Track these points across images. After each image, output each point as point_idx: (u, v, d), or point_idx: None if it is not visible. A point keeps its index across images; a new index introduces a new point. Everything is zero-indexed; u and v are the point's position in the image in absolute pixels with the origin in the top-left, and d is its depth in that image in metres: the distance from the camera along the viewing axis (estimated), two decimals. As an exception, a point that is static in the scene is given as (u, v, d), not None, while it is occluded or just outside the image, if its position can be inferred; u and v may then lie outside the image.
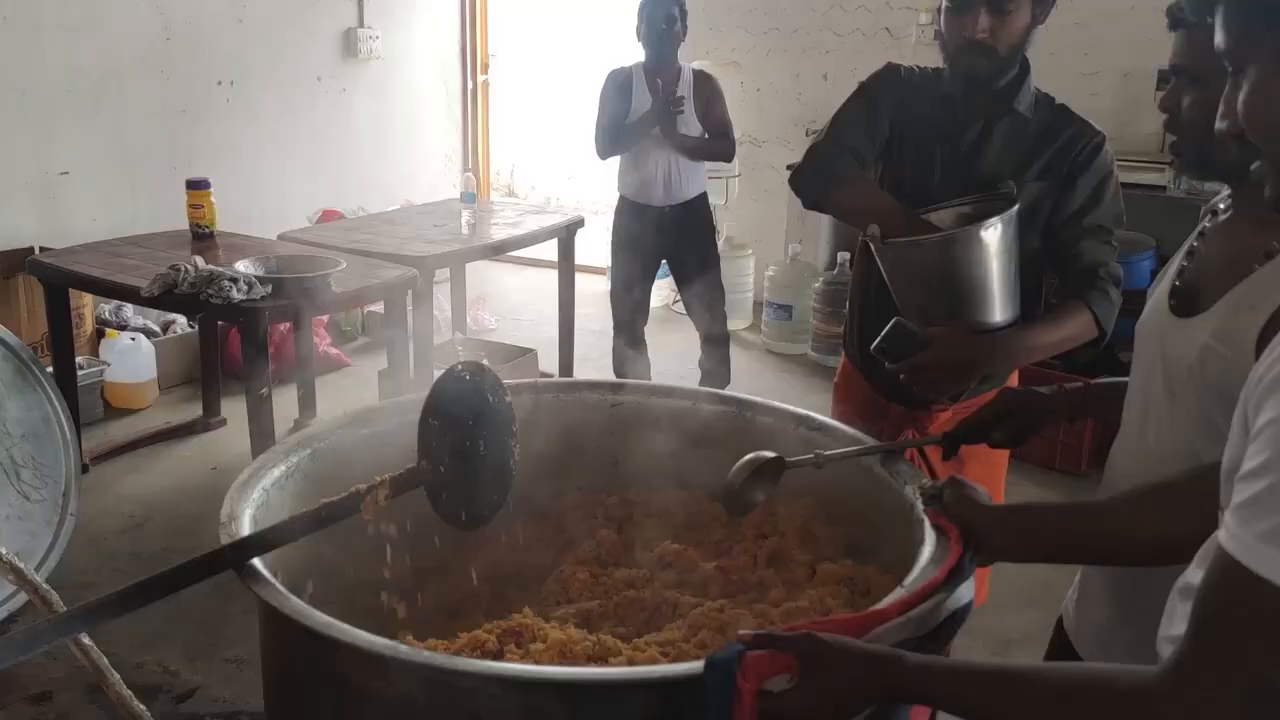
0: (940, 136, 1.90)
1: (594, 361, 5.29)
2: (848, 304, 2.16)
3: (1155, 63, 5.04)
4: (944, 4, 1.83)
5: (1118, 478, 1.39)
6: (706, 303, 4.31)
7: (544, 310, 5.99)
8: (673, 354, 4.96)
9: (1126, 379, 1.61)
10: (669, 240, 4.20)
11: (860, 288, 2.07)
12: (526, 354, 4.74)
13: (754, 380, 5.06)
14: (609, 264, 4.61)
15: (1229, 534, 0.78)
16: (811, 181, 1.92)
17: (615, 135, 4.16)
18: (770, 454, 1.50)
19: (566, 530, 1.73)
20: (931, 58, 1.97)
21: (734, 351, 4.54)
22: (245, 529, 1.29)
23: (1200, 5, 1.01)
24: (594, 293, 6.66)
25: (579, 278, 4.94)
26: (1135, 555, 1.18)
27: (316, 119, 6.14)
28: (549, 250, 5.22)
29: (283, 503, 1.43)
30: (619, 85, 4.16)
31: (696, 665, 1.02)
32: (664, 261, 4.32)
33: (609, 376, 4.71)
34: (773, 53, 6.06)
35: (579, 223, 4.80)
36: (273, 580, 1.17)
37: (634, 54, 4.22)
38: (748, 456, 1.52)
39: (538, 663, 1.24)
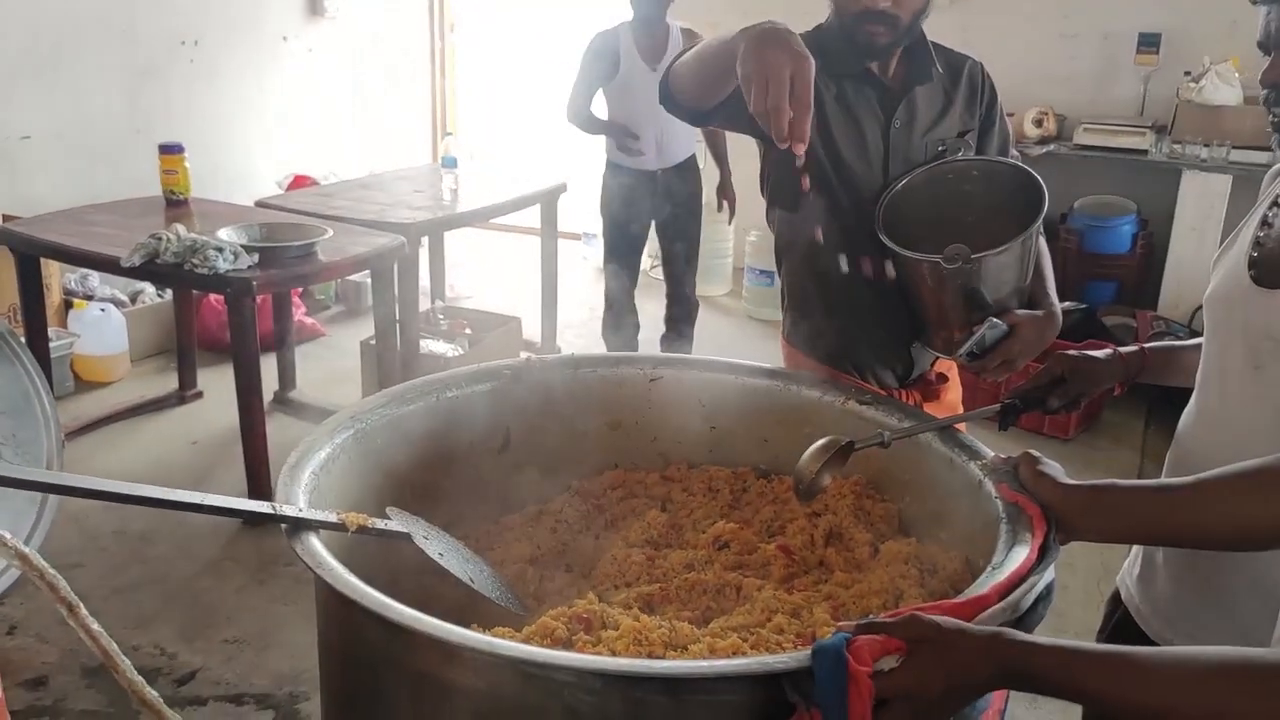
0: (869, 117, 1.78)
1: (575, 329, 5.24)
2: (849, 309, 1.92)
3: (1135, 25, 5.05)
4: None
5: (1194, 455, 1.36)
6: (683, 269, 4.32)
7: (520, 276, 5.92)
8: (651, 320, 4.91)
9: (1180, 343, 1.60)
10: (660, 204, 4.15)
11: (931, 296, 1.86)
12: (510, 322, 4.67)
13: (735, 348, 5.03)
14: (596, 230, 4.55)
15: None
16: (665, 88, 1.70)
17: (587, 118, 4.12)
18: (839, 439, 1.47)
19: (607, 510, 1.68)
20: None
21: (715, 318, 4.52)
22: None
23: None
24: (572, 258, 6.59)
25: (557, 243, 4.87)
26: (1227, 541, 1.16)
27: (283, 81, 5.97)
28: (519, 216, 5.14)
29: (331, 485, 1.37)
30: (602, 50, 4.05)
31: (803, 654, 0.98)
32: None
33: (595, 344, 4.66)
34: (750, 13, 5.97)
35: (562, 188, 4.72)
36: (346, 572, 1.11)
37: (615, 13, 4.13)
38: (819, 443, 1.47)
39: (613, 651, 1.19)
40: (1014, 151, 1.94)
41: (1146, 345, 1.61)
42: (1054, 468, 1.28)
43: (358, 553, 1.28)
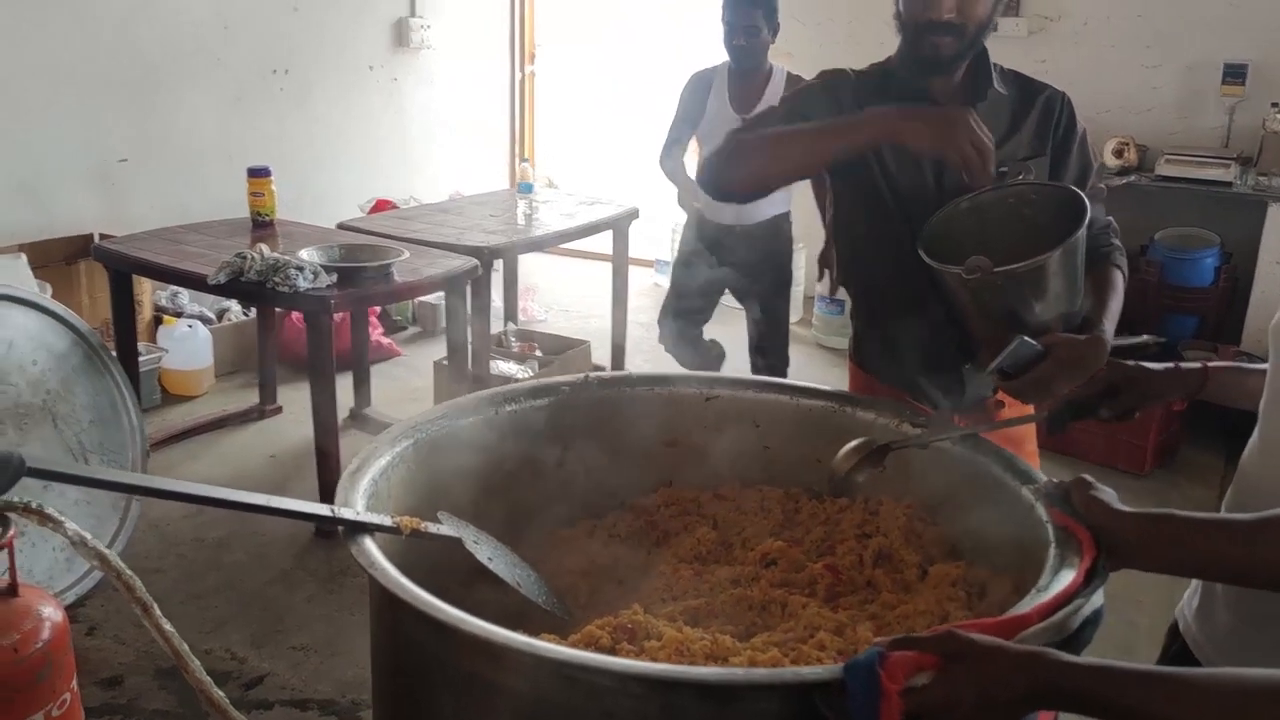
0: None
1: (645, 354, 5.27)
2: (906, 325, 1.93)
3: (1221, 56, 4.96)
4: None
5: (1256, 486, 1.34)
6: (768, 339, 4.00)
7: (591, 302, 5.99)
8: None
9: (1245, 365, 1.57)
10: (736, 262, 3.86)
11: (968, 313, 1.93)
12: (580, 345, 4.73)
13: (802, 375, 5.01)
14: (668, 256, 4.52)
15: None
16: (712, 173, 1.81)
17: (673, 168, 3.92)
18: (875, 439, 1.50)
19: (659, 526, 1.70)
20: (989, 49, 1.87)
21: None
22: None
23: None
24: (643, 285, 6.65)
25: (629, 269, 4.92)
26: (1267, 579, 1.14)
27: (368, 108, 6.15)
28: (592, 242, 5.20)
29: (389, 492, 1.42)
30: (695, 91, 3.87)
31: (837, 668, 0.99)
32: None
33: (664, 369, 4.69)
34: (826, 45, 6.00)
35: (634, 214, 4.78)
36: (396, 572, 1.15)
37: (694, 53, 4.14)
38: (855, 441, 1.52)
39: (655, 660, 1.21)
40: (1101, 185, 1.93)
41: (1210, 364, 1.58)
42: (1108, 493, 1.27)
43: (412, 560, 1.32)
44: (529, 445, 1.69)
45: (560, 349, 4.68)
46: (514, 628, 1.20)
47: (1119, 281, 1.83)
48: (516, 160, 7.39)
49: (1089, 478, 1.28)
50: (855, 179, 1.86)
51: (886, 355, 1.91)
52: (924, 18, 1.70)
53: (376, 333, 5.08)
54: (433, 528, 1.36)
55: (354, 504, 1.31)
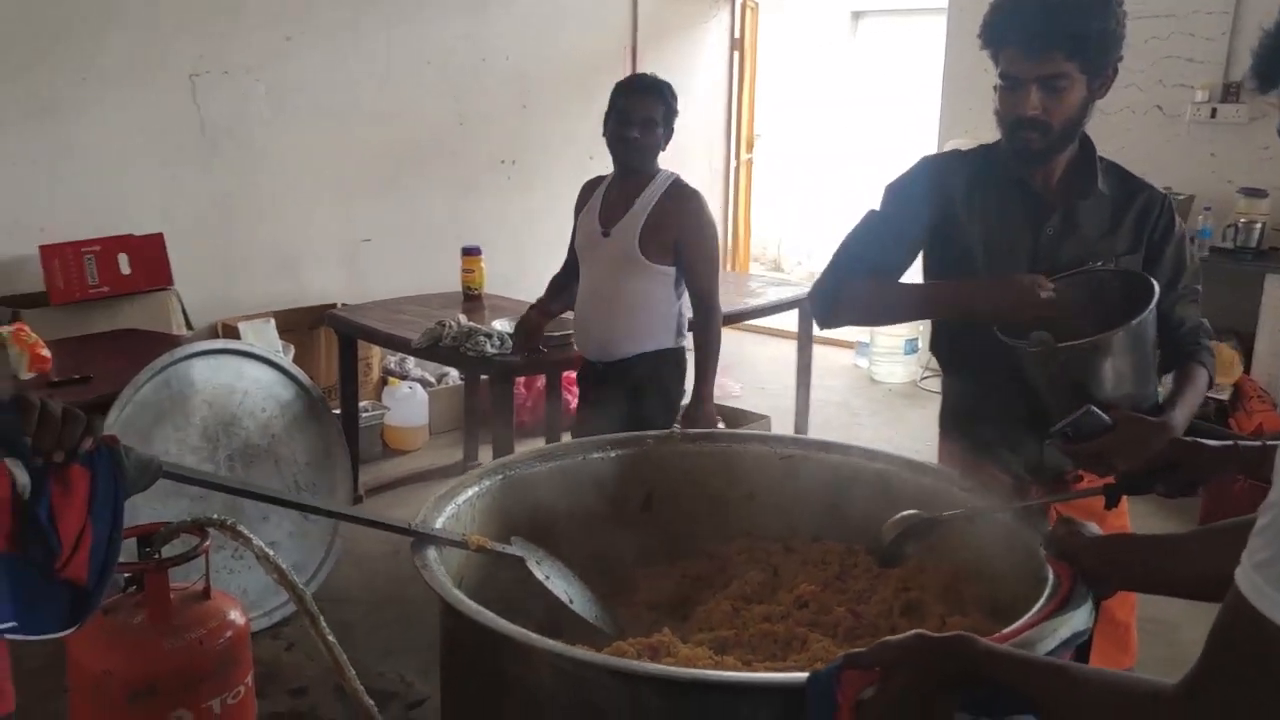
0: (1022, 223, 1.89)
1: (834, 433, 5.35)
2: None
3: None
4: (998, 81, 1.83)
5: None
6: None
7: (787, 380, 6.12)
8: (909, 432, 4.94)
9: None
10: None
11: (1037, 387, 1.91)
12: (759, 420, 4.89)
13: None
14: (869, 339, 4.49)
15: (1241, 562, 0.82)
16: (819, 314, 1.99)
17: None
18: (922, 512, 1.59)
19: (729, 570, 1.86)
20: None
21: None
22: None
23: None
24: (840, 366, 6.73)
25: (828, 350, 5.01)
26: (1198, 590, 1.18)
27: (587, 195, 6.63)
28: (790, 321, 5.35)
29: (472, 517, 1.66)
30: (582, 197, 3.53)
31: (800, 675, 1.12)
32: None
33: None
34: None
35: (819, 295, 4.91)
36: (446, 578, 1.38)
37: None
38: (901, 514, 1.61)
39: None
40: (1196, 286, 1.97)
41: (1269, 441, 1.59)
42: (1088, 527, 1.35)
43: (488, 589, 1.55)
44: (614, 490, 1.90)
45: (741, 421, 4.85)
46: (590, 637, 1.39)
47: (1201, 379, 1.87)
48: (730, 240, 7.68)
49: (1069, 516, 1.36)
50: (948, 259, 1.98)
51: (970, 424, 1.99)
52: (1012, 114, 1.82)
53: (575, 399, 5.42)
54: (499, 546, 1.59)
55: (432, 523, 1.56)
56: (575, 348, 3.44)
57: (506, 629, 1.25)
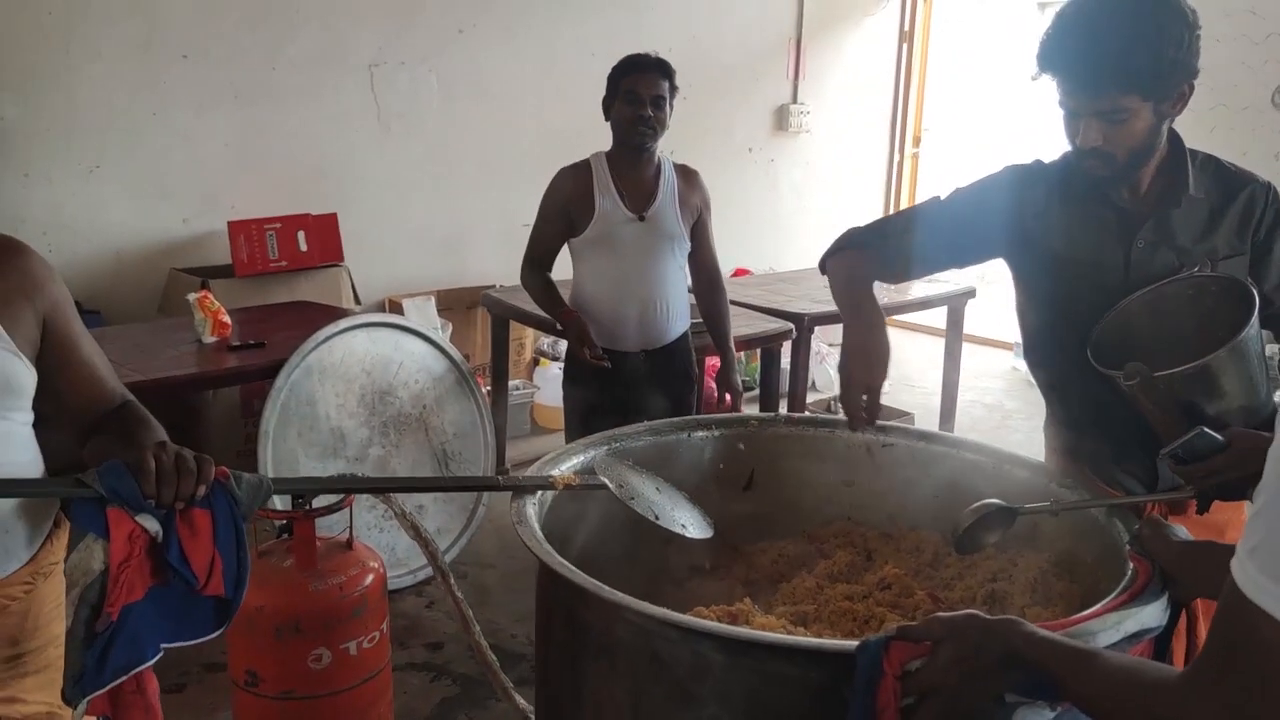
0: (1110, 237, 1.78)
1: (981, 434, 5.25)
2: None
3: None
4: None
5: None
6: None
7: (938, 378, 6.03)
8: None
9: None
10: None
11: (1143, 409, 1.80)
12: (903, 416, 4.85)
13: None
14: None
15: (1236, 550, 0.84)
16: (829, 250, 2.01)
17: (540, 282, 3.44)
18: (1003, 502, 1.61)
19: (828, 554, 1.90)
20: None
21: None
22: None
23: None
24: (1000, 368, 6.57)
25: (986, 350, 4.91)
26: None
27: (744, 186, 6.68)
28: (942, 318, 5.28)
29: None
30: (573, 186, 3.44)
31: (851, 643, 1.18)
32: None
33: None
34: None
35: (969, 294, 4.84)
36: (538, 530, 1.49)
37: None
38: (980, 502, 1.63)
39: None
40: None
41: None
42: (1174, 529, 1.34)
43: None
44: (717, 468, 1.97)
45: (884, 417, 4.82)
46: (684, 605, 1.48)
47: None
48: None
49: (1156, 517, 1.36)
50: (1031, 273, 1.91)
51: (1064, 437, 1.95)
52: (1074, 145, 1.74)
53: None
54: (584, 479, 1.68)
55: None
56: (586, 347, 3.12)
57: (583, 581, 1.35)
